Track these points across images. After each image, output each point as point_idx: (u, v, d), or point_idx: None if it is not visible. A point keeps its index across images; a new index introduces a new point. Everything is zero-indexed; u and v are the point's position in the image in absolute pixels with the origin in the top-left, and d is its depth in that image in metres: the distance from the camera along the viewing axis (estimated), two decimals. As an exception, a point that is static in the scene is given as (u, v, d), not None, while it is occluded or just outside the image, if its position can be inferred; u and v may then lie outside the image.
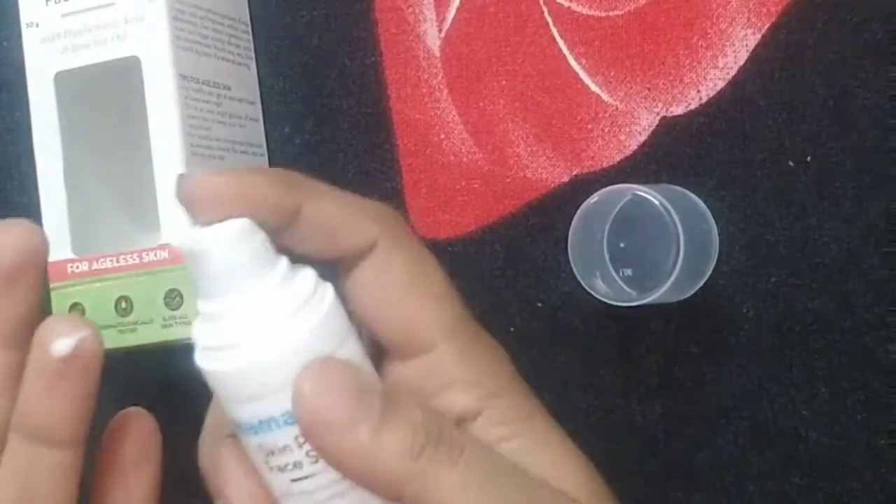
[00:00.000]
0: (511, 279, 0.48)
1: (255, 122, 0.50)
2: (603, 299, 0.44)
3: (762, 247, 0.45)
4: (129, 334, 0.44)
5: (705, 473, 0.46)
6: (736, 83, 0.46)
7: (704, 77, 0.46)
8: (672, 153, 0.46)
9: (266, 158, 0.51)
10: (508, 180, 0.48)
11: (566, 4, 0.47)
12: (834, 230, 0.45)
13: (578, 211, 0.44)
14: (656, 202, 0.42)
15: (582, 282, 0.44)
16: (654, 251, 0.44)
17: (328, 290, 0.33)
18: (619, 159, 0.47)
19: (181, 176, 0.32)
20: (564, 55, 0.47)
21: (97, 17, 0.45)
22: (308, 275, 0.33)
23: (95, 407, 0.35)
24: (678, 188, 0.45)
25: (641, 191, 0.43)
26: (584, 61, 0.47)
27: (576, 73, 0.47)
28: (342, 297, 0.34)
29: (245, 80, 0.50)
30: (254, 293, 0.32)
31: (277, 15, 0.51)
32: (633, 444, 0.47)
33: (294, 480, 0.33)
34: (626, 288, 0.45)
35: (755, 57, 0.45)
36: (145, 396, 0.42)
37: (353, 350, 0.33)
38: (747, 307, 0.46)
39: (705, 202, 0.45)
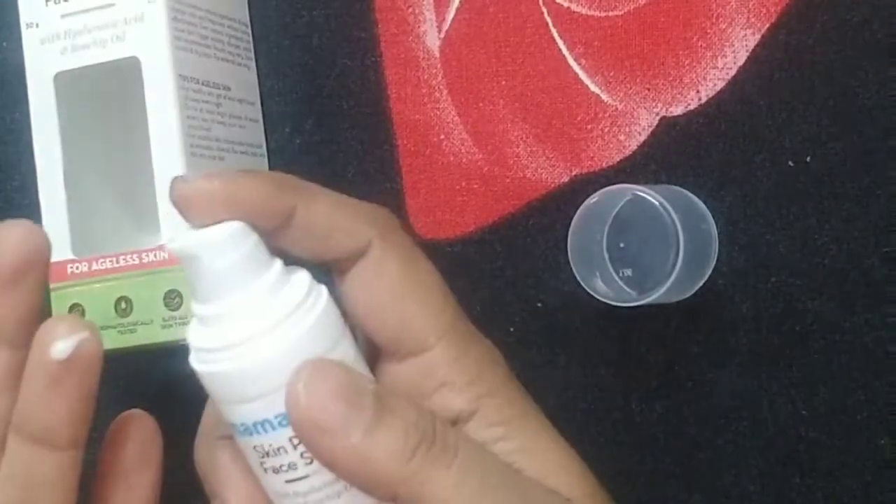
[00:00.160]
0: (511, 279, 0.48)
1: (255, 123, 0.50)
2: (603, 299, 0.44)
3: (762, 247, 0.45)
4: (129, 335, 0.44)
5: (705, 473, 0.46)
6: (735, 83, 0.45)
7: (704, 77, 0.46)
8: (671, 153, 0.46)
9: (266, 159, 0.51)
10: (508, 181, 0.48)
11: (566, 5, 0.47)
12: (834, 230, 0.44)
13: (578, 211, 0.44)
14: (656, 202, 0.42)
15: (582, 282, 0.44)
16: (653, 251, 0.44)
17: (322, 291, 0.33)
18: (618, 159, 0.47)
19: (175, 179, 0.32)
20: (564, 55, 0.47)
21: (97, 18, 0.45)
22: (302, 277, 0.33)
23: (95, 408, 0.35)
24: (678, 188, 0.45)
25: (641, 191, 0.43)
26: (583, 61, 0.47)
27: (575, 74, 0.47)
28: (337, 298, 0.34)
29: (245, 80, 0.50)
30: (247, 295, 0.32)
31: (277, 15, 0.51)
32: (633, 444, 0.47)
33: (289, 482, 0.33)
34: (625, 288, 0.45)
35: (755, 57, 0.45)
36: (145, 397, 0.42)
37: (347, 351, 0.33)
38: (747, 307, 0.46)
39: (705, 202, 0.45)
